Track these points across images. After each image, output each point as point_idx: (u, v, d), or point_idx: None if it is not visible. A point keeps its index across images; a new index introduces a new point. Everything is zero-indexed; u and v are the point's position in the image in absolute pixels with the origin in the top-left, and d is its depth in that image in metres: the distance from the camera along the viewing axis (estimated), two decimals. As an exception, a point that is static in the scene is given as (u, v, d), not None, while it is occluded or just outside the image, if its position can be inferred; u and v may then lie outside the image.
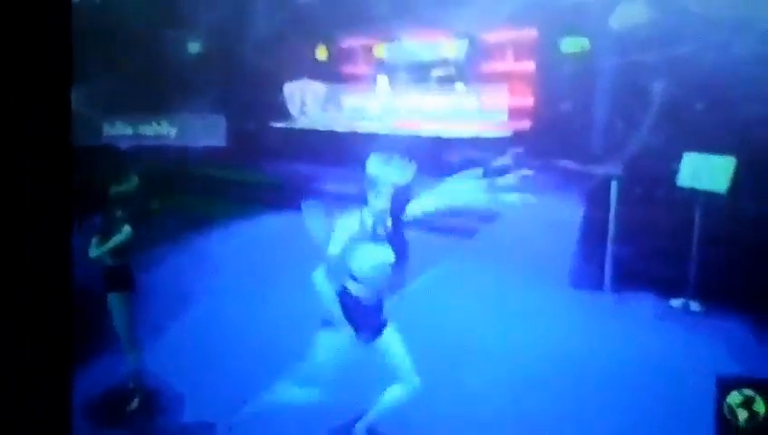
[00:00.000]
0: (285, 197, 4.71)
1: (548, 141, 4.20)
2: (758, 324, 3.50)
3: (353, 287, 2.76)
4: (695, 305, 3.86)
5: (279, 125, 5.02)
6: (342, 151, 4.59)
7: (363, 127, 4.88)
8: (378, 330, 2.82)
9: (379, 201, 2.72)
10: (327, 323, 2.80)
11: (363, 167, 4.11)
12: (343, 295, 2.78)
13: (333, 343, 2.80)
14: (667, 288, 3.85)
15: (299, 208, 4.40)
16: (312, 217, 2.88)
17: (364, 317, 2.78)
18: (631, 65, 4.00)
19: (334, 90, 5.17)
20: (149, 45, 4.85)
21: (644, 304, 3.87)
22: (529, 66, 4.64)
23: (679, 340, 3.58)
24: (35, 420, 2.84)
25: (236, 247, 4.40)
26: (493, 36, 4.76)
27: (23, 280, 2.83)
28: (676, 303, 3.89)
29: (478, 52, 4.81)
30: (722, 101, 3.71)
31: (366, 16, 4.71)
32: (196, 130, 4.67)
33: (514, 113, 4.63)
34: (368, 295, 2.76)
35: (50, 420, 2.87)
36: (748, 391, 2.73)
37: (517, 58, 4.72)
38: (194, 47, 4.95)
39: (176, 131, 4.68)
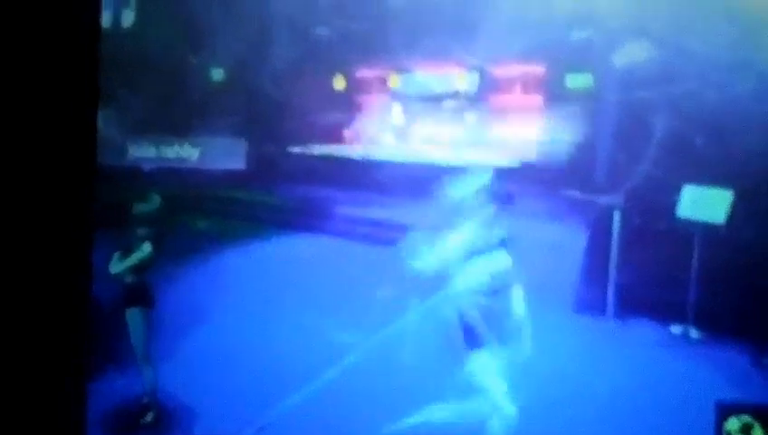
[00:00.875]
0: (301, 219, 4.89)
1: (553, 172, 4.34)
2: (755, 352, 3.61)
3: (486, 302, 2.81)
4: (694, 333, 3.94)
5: (296, 150, 5.18)
6: (356, 176, 4.78)
7: (378, 154, 5.04)
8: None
9: (480, 213, 2.84)
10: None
11: (375, 191, 4.30)
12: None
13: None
14: (667, 316, 3.95)
15: (313, 231, 4.59)
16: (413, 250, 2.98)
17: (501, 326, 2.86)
18: (635, 101, 4.09)
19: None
20: (174, 71, 5.02)
21: (645, 331, 3.96)
22: (536, 100, 4.80)
23: (679, 367, 3.66)
24: (50, 432, 2.94)
25: (251, 267, 4.50)
26: (502, 70, 4.93)
27: (42, 294, 2.95)
28: (676, 330, 3.97)
29: (488, 85, 4.99)
30: (721, 136, 3.81)
31: (381, 48, 4.91)
32: (218, 153, 4.82)
33: (522, 144, 4.78)
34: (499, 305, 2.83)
35: (65, 432, 2.97)
36: (746, 418, 2.81)
37: (525, 91, 4.89)
38: (217, 74, 5.13)
39: (198, 154, 4.83)
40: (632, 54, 4.14)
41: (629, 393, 3.40)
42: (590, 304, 4.09)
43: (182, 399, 3.48)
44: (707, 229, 3.92)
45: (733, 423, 2.81)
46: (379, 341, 3.68)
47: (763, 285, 3.64)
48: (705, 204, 3.93)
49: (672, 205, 4.00)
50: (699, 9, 3.78)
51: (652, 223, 4.08)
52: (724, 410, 2.85)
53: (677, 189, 4.00)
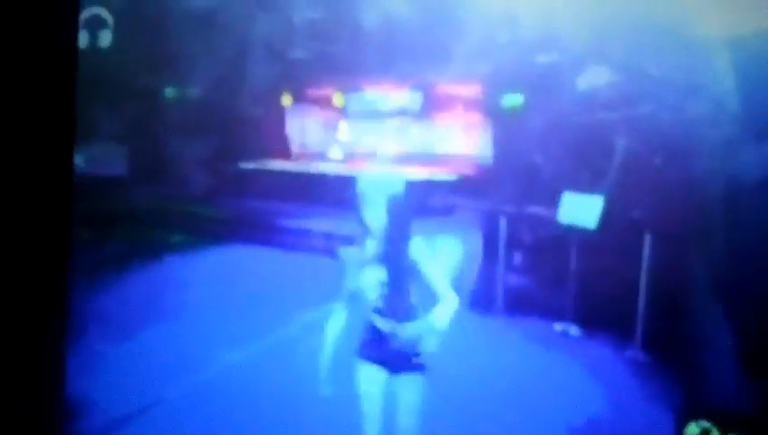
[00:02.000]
0: (246, 232, 5.03)
1: (491, 186, 4.54)
2: (619, 346, 3.95)
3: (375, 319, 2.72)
4: (574, 330, 4.19)
5: (240, 165, 5.34)
6: (303, 190, 4.94)
7: (324, 168, 5.21)
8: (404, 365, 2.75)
9: (375, 218, 2.81)
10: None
11: (323, 204, 4.45)
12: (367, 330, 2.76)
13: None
14: (551, 314, 4.21)
15: (259, 243, 4.72)
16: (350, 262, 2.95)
17: (388, 350, 2.71)
18: (594, 122, 4.18)
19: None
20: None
21: (531, 327, 4.22)
22: (476, 118, 5.01)
23: (561, 362, 3.95)
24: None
25: (193, 279, 4.56)
26: (444, 90, 5.15)
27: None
28: (558, 327, 4.22)
29: (431, 103, 5.20)
30: (677, 156, 3.85)
31: (328, 68, 5.09)
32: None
33: (462, 160, 4.99)
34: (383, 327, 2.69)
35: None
36: (705, 423, 2.86)
37: (465, 110, 5.10)
38: (170, 92, 5.26)
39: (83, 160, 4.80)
40: (592, 78, 4.25)
41: (520, 383, 3.66)
42: (483, 303, 4.27)
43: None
44: (581, 234, 4.11)
45: (692, 429, 2.87)
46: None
47: (626, 286, 3.92)
48: (579, 210, 4.12)
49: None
50: (656, 36, 3.88)
51: (536, 228, 4.32)
52: (684, 416, 2.90)
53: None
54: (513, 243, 4.42)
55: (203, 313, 4.22)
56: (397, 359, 2.77)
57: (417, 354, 2.81)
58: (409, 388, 2.81)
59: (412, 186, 3.05)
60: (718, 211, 3.53)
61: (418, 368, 2.83)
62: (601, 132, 4.13)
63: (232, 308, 4.19)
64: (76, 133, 2.99)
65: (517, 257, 4.43)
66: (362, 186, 2.85)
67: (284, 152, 5.37)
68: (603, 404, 3.58)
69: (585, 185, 4.13)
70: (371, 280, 2.76)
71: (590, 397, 3.62)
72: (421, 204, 4.89)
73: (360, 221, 2.83)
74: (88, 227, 3.81)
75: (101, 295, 4.03)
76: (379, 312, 2.78)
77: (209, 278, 4.55)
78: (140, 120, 5.05)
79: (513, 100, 4.56)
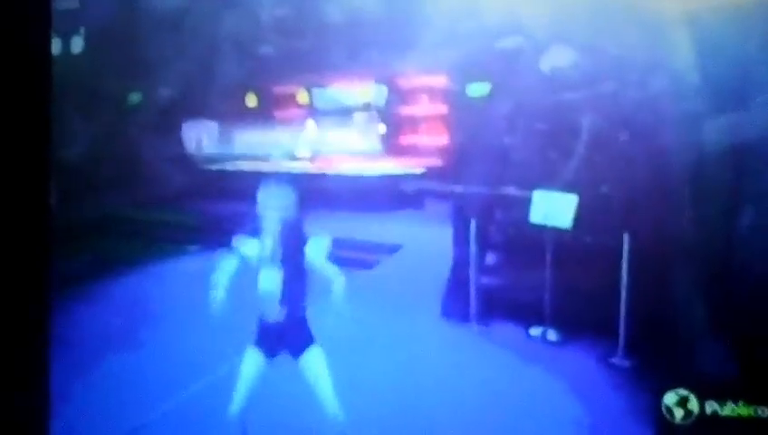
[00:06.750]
0: (217, 237, 4.94)
1: (456, 176, 4.52)
2: (603, 352, 3.79)
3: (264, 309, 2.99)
4: (552, 334, 4.02)
5: (211, 168, 5.27)
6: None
7: (293, 167, 5.17)
8: (296, 350, 3.00)
9: (269, 227, 2.95)
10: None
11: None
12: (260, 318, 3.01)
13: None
14: (527, 318, 4.06)
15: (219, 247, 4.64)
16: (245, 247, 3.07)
17: (279, 337, 2.98)
18: (559, 103, 4.15)
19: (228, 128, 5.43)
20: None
21: (507, 334, 4.06)
22: (441, 109, 5.02)
23: (536, 368, 3.75)
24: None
25: (158, 288, 4.52)
26: (408, 82, 5.15)
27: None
28: (535, 332, 4.05)
29: (396, 97, 5.19)
30: (641, 132, 3.86)
31: (292, 65, 5.06)
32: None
33: (429, 151, 4.99)
34: (273, 317, 2.97)
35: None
36: (683, 391, 2.92)
37: (431, 101, 5.10)
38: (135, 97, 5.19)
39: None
40: (555, 60, 4.24)
41: (493, 396, 3.47)
42: (455, 308, 4.17)
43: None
44: (556, 234, 3.97)
45: (670, 397, 2.94)
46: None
47: (607, 288, 3.77)
48: (553, 209, 3.96)
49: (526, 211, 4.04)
50: (614, 15, 3.89)
51: (508, 229, 4.19)
52: (662, 386, 2.97)
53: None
54: (485, 242, 4.23)
55: (183, 328, 4.08)
56: (293, 342, 2.99)
57: (307, 332, 3.02)
58: (314, 362, 2.99)
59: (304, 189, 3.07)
60: (684, 185, 3.55)
61: (311, 341, 3.02)
62: (569, 114, 4.07)
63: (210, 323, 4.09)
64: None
65: (489, 259, 4.25)
66: (260, 194, 2.95)
67: (251, 152, 5.30)
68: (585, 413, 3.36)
69: (555, 174, 4.01)
70: (268, 276, 2.95)
71: (570, 405, 3.40)
72: (389, 197, 4.92)
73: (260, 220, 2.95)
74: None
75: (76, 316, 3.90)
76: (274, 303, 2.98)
77: (184, 290, 4.44)
78: (109, 125, 4.98)
79: (479, 89, 4.58)
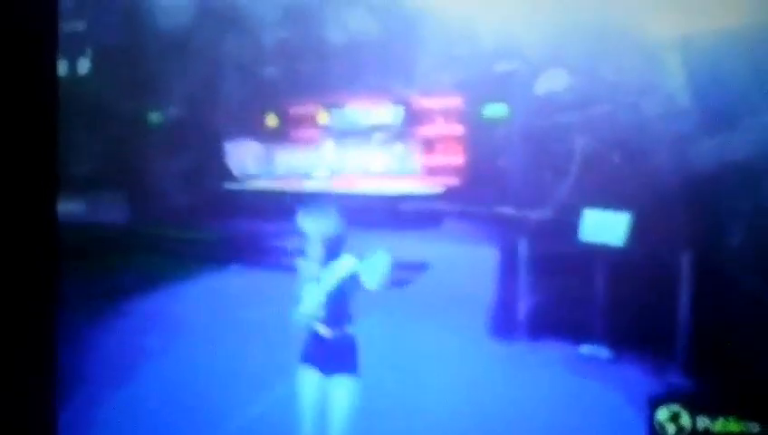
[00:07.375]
0: (236, 254, 5.01)
1: (475, 196, 4.61)
2: (658, 369, 3.75)
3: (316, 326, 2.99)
4: (604, 352, 4.01)
5: (230, 187, 5.35)
6: (290, 209, 4.94)
7: (309, 186, 5.25)
8: (339, 368, 2.97)
9: (314, 251, 2.97)
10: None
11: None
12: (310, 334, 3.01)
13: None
14: (577, 337, 4.05)
15: (248, 265, 4.67)
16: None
17: (327, 354, 2.95)
18: (554, 125, 4.27)
19: (273, 150, 5.53)
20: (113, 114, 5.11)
21: (555, 352, 4.05)
22: (457, 129, 5.12)
23: (589, 386, 3.72)
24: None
25: (187, 305, 4.53)
26: (425, 103, 5.25)
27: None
28: (585, 350, 4.05)
29: (413, 117, 5.29)
30: (634, 153, 3.96)
31: (312, 86, 5.15)
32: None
33: (446, 171, 5.09)
34: (319, 334, 2.97)
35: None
36: (674, 407, 2.88)
37: (447, 122, 5.21)
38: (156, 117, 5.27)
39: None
40: (551, 83, 4.37)
41: (541, 415, 3.43)
42: (503, 326, 4.19)
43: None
44: (608, 252, 4.00)
45: (663, 413, 2.89)
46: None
47: (660, 304, 3.79)
48: (604, 227, 4.02)
49: (576, 228, 4.08)
50: (609, 39, 4.00)
51: (558, 247, 4.17)
52: (654, 402, 2.90)
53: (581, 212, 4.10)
54: (532, 263, 4.22)
55: (200, 347, 4.09)
56: (331, 361, 2.99)
57: (352, 358, 3.01)
58: (341, 389, 2.98)
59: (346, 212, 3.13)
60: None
61: (352, 370, 3.00)
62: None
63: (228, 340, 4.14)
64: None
65: (537, 278, 4.22)
66: (300, 219, 3.01)
67: (270, 172, 5.39)
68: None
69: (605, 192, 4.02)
70: (314, 292, 2.96)
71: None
72: (413, 216, 4.98)
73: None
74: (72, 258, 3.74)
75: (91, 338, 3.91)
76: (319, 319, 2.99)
77: (201, 308, 4.47)
78: (123, 145, 5.05)
79: (495, 110, 4.67)
